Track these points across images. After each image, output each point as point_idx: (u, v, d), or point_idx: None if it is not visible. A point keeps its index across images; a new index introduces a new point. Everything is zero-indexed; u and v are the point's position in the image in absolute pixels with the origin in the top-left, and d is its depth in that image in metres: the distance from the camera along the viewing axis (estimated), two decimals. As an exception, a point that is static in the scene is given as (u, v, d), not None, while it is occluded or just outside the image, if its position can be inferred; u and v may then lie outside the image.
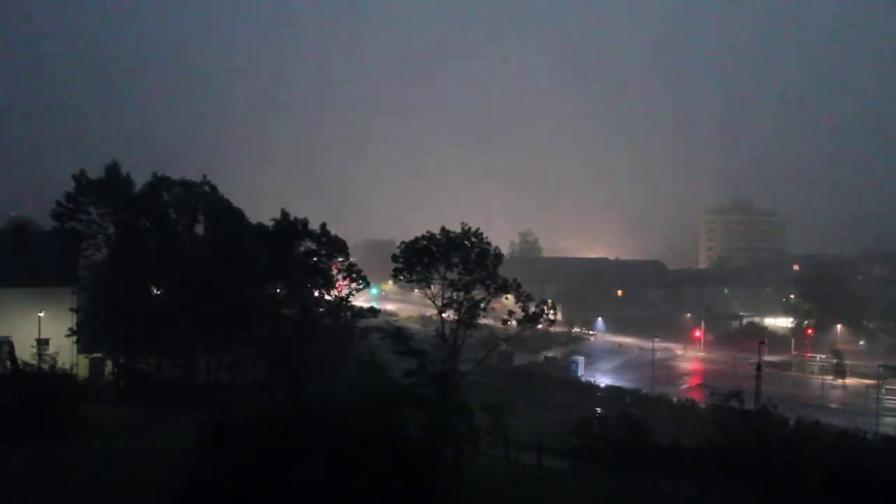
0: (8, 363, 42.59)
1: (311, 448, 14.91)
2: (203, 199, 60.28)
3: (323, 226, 59.98)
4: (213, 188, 60.64)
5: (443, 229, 55.25)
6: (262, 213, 63.83)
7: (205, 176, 61.17)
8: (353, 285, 59.79)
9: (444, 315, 56.91)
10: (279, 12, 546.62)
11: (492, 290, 54.58)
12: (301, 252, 59.70)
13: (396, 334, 30.66)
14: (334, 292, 59.76)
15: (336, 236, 60.41)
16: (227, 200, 60.66)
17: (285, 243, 58.95)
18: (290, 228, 59.18)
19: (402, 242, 57.20)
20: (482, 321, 57.97)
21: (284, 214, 59.94)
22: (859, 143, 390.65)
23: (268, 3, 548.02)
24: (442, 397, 25.29)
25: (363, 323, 58.99)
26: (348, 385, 42.09)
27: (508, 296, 56.26)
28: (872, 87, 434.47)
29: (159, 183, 59.25)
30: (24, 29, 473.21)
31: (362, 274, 60.33)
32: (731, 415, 37.87)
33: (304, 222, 59.49)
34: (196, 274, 55.66)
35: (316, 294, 60.47)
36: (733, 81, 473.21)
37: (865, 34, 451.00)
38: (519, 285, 55.20)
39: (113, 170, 58.58)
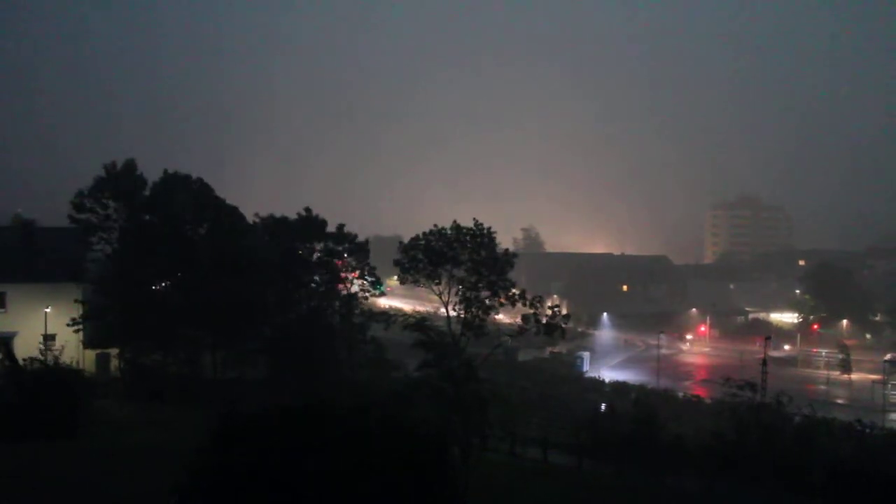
0: (6, 362, 42.56)
1: (320, 442, 14.91)
2: (204, 196, 60.38)
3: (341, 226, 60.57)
4: (206, 186, 60.79)
5: (454, 224, 54.45)
6: (265, 208, 64.17)
7: (189, 175, 61.43)
8: (366, 283, 59.95)
9: (450, 313, 56.44)
10: (280, 8, 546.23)
11: (499, 293, 53.56)
12: (320, 251, 59.98)
13: (419, 324, 30.71)
14: (343, 289, 59.91)
15: (356, 237, 60.85)
16: (222, 199, 61.03)
17: (297, 241, 59.18)
18: (306, 227, 59.39)
19: (400, 242, 56.67)
20: (494, 317, 57.43)
21: (289, 214, 60.56)
22: (866, 137, 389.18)
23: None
24: (464, 385, 25.25)
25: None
26: (356, 381, 42.14)
27: (517, 300, 55.06)
28: (880, 81, 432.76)
29: (170, 179, 59.67)
30: (18, 28, 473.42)
31: (375, 273, 60.50)
32: (740, 409, 37.79)
33: (324, 222, 59.84)
34: (201, 270, 55.83)
35: (325, 291, 60.51)
36: (739, 76, 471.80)
37: (872, 28, 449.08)
38: (533, 298, 53.64)
39: (130, 166, 60.09)
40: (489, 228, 53.82)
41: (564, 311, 55.06)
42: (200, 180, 60.77)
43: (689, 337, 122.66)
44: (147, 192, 59.80)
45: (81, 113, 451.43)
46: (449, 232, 53.84)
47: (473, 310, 52.75)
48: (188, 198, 59.58)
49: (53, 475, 28.09)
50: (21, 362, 42.44)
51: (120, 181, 59.32)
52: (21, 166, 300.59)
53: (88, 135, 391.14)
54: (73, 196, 59.50)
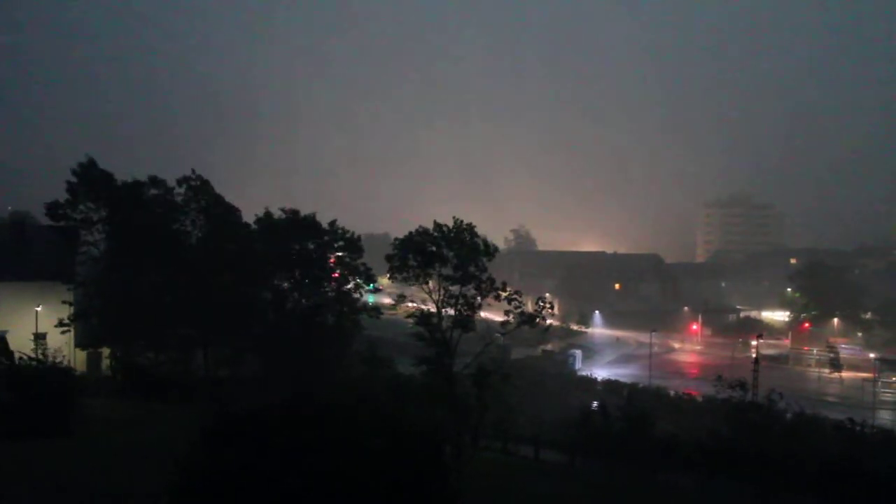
0: (2, 359, 42.35)
1: (316, 441, 14.91)
2: (195, 192, 59.77)
3: (333, 222, 60.28)
4: (206, 182, 59.81)
5: (436, 224, 54.25)
6: (256, 207, 63.60)
7: (193, 170, 60.10)
8: (359, 280, 59.85)
9: (441, 311, 56.21)
10: (265, 7, 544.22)
11: (483, 288, 53.30)
12: (311, 248, 59.64)
13: (424, 318, 30.48)
14: (334, 285, 59.73)
15: (353, 234, 60.38)
16: (220, 196, 60.17)
17: (290, 238, 58.96)
18: (294, 224, 59.08)
19: (395, 239, 56.48)
20: (480, 314, 57.29)
21: (291, 212, 60.16)
22: (858, 137, 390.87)
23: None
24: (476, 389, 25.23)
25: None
26: (350, 378, 42.02)
27: (502, 293, 54.75)
28: (872, 81, 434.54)
29: (146, 182, 58.31)
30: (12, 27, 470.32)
31: (370, 273, 60.29)
32: (732, 407, 37.96)
33: (312, 219, 59.49)
34: (191, 268, 55.57)
35: (319, 289, 60.31)
36: (732, 75, 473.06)
37: (865, 26, 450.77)
38: (515, 291, 53.38)
39: (91, 165, 56.34)
40: (469, 224, 53.48)
41: (549, 303, 54.97)
42: (201, 177, 59.83)
43: (678, 339, 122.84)
44: (127, 188, 57.40)
45: (79, 109, 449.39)
46: (433, 231, 53.64)
47: (459, 306, 52.65)
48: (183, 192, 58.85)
49: (49, 473, 27.98)
50: (17, 359, 42.26)
51: (91, 182, 56.08)
52: (18, 164, 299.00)
53: (85, 131, 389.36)
54: (46, 206, 56.12)
